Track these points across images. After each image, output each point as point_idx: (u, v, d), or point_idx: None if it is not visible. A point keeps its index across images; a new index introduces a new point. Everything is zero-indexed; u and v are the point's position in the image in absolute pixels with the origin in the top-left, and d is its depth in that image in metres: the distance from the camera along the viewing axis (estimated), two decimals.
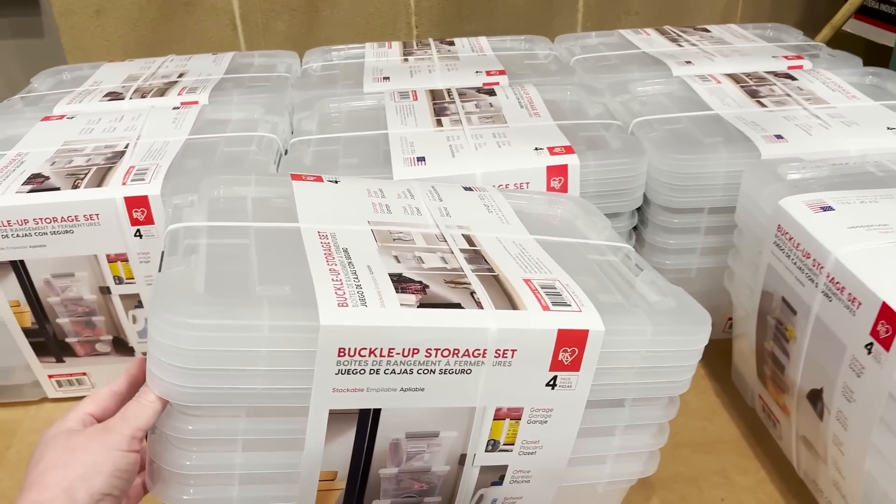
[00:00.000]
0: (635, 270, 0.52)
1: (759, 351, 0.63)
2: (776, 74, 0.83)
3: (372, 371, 0.40)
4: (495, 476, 0.47)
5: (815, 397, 0.54)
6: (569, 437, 0.46)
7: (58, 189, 0.62)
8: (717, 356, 0.76)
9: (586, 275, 0.51)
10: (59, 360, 0.71)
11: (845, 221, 0.53)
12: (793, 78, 0.82)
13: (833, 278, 0.50)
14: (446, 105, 0.78)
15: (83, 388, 0.74)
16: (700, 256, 0.71)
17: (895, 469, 0.47)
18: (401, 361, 0.40)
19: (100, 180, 0.63)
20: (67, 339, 0.69)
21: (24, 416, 0.74)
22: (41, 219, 0.62)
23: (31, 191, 0.62)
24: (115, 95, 0.84)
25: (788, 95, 0.78)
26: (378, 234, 0.49)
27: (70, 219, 0.62)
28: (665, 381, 0.47)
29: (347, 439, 0.43)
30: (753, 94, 0.79)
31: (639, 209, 0.72)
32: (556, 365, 0.43)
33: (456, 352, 0.41)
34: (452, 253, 0.48)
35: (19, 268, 0.64)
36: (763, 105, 0.76)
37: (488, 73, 0.87)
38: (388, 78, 0.87)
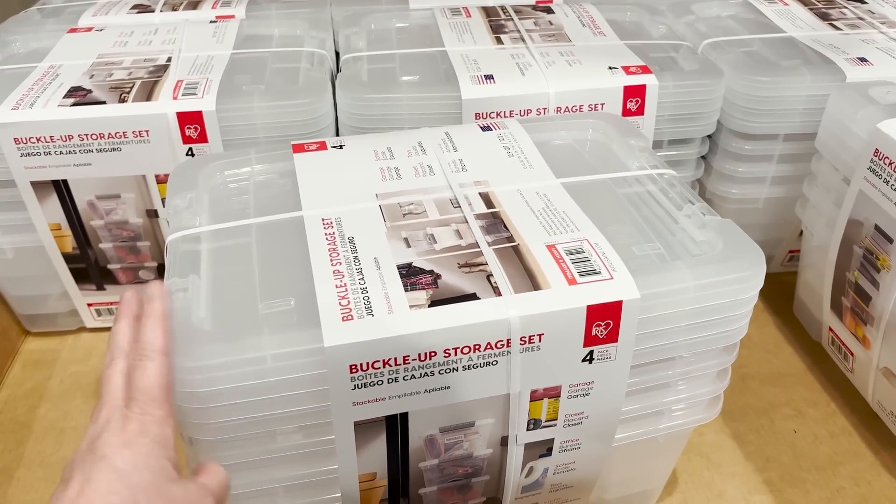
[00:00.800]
0: (678, 203, 0.48)
1: (837, 282, 0.61)
2: None
3: (391, 380, 0.38)
4: (542, 449, 0.44)
5: None
6: (616, 402, 0.43)
7: (103, 103, 0.58)
8: (777, 288, 0.74)
9: (621, 222, 0.47)
10: (100, 288, 0.67)
11: None
12: (861, 1, 0.79)
13: None
14: (503, 22, 0.73)
15: None
16: (770, 186, 0.69)
17: None
18: (419, 366, 0.38)
19: (147, 94, 0.59)
20: (109, 266, 0.66)
21: (62, 346, 0.71)
22: (87, 135, 0.57)
23: (75, 104, 0.58)
24: (143, 8, 0.78)
25: (861, 19, 0.74)
26: (387, 210, 0.45)
27: (118, 135, 0.58)
28: (717, 332, 0.43)
29: (380, 443, 0.41)
30: (824, 16, 0.75)
31: (709, 135, 0.68)
32: (590, 340, 0.39)
33: (477, 347, 0.38)
34: (467, 223, 0.44)
35: (62, 188, 0.60)
36: (837, 28, 0.72)
37: None
38: None
